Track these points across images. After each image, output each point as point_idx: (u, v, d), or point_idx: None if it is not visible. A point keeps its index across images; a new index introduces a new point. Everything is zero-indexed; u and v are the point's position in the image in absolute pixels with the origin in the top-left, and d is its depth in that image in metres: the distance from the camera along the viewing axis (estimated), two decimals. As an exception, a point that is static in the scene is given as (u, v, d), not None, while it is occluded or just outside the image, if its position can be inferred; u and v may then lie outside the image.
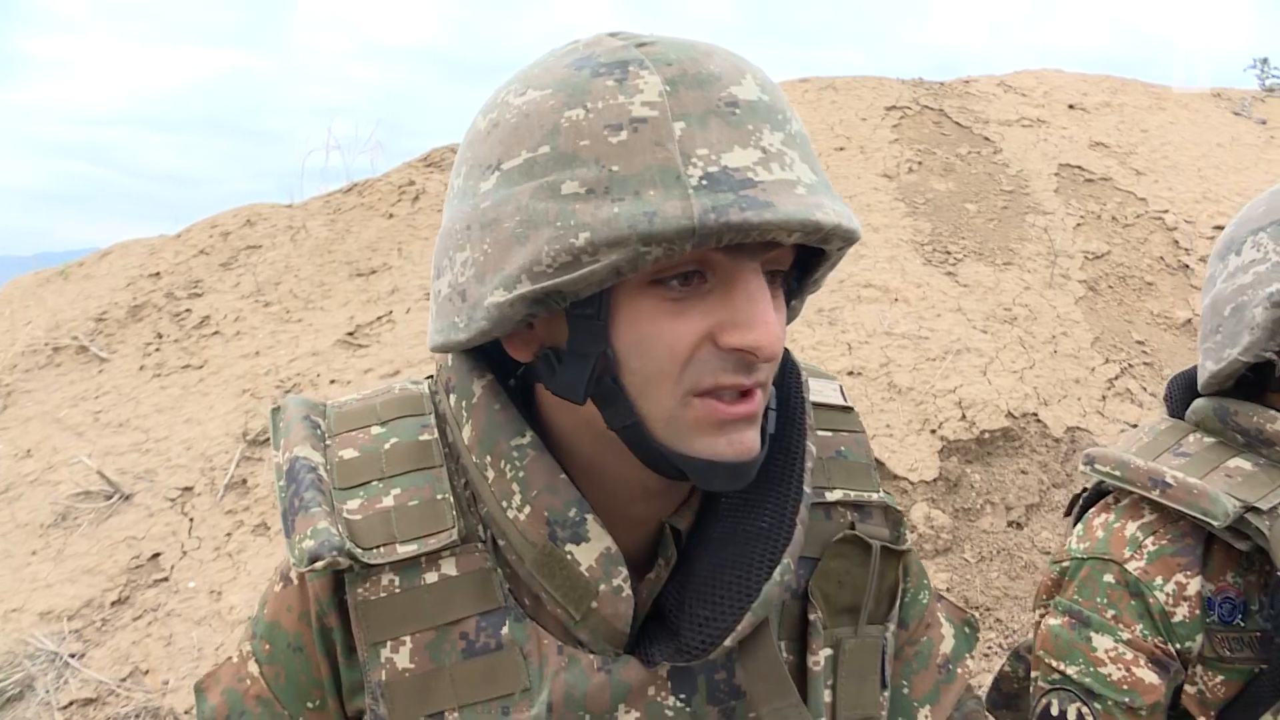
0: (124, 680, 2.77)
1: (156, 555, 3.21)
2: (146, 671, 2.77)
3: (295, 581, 0.74)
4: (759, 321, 0.62)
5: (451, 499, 0.71)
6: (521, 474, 0.69)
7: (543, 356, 0.67)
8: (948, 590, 2.80)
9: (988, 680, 2.60)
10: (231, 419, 3.82)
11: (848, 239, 0.63)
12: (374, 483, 0.72)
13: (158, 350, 4.48)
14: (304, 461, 0.72)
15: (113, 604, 3.05)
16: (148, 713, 2.66)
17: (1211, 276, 1.16)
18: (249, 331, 4.43)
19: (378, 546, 0.69)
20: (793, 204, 0.59)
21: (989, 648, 2.71)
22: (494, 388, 0.71)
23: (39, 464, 3.79)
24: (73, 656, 2.85)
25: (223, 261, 5.05)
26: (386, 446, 0.74)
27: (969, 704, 0.90)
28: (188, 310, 4.70)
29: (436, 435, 0.75)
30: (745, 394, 0.65)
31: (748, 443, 0.65)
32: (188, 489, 3.48)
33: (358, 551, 0.68)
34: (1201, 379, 1.15)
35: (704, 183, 0.58)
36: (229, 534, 3.24)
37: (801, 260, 0.70)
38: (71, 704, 2.73)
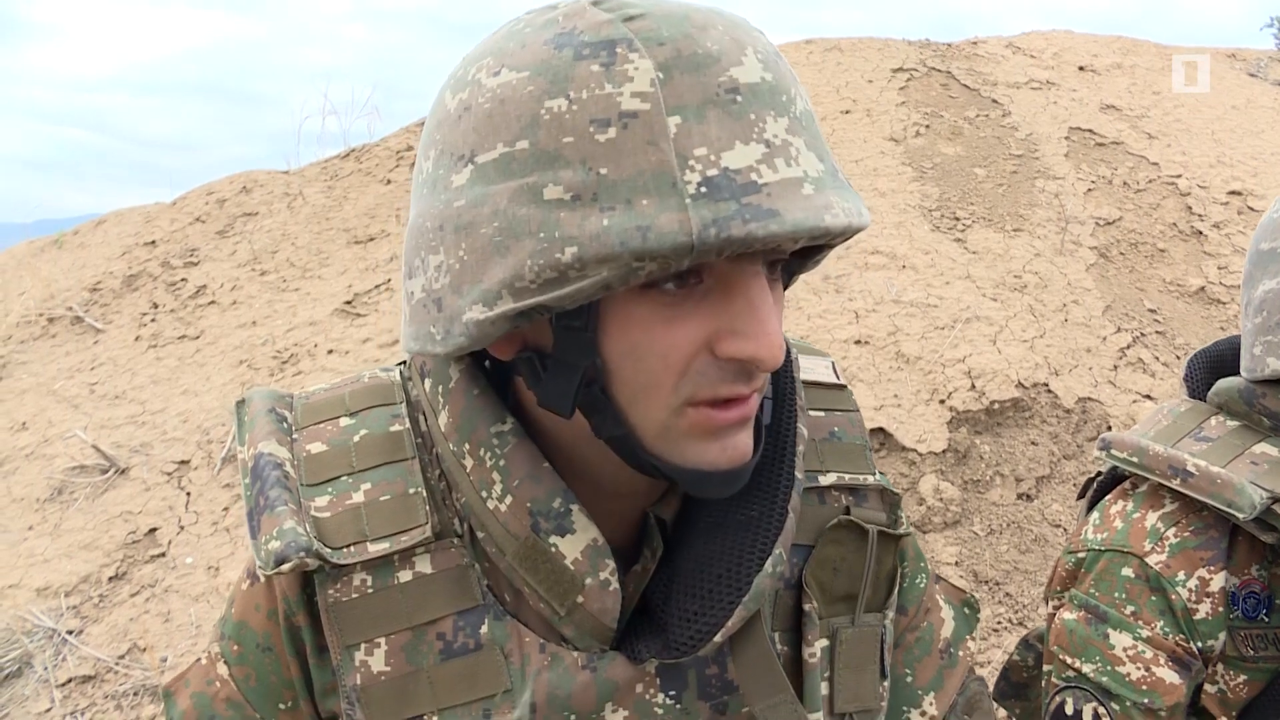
0: (122, 657, 2.74)
1: (153, 530, 3.18)
2: (145, 649, 2.75)
3: (262, 579, 0.71)
4: (761, 330, 0.57)
5: (424, 493, 0.68)
6: (502, 462, 0.65)
7: (526, 359, 0.62)
8: (957, 564, 2.77)
9: (998, 656, 2.58)
10: (228, 390, 3.78)
11: (853, 232, 0.58)
12: (343, 478, 0.69)
13: (153, 321, 4.43)
14: (269, 458, 0.69)
15: (110, 580, 3.02)
16: (146, 690, 2.64)
17: (1263, 255, 1.07)
18: (246, 301, 4.37)
19: (348, 545, 0.66)
20: (800, 209, 0.53)
21: (999, 623, 2.68)
22: (472, 372, 0.68)
23: (35, 437, 3.76)
24: (70, 633, 2.83)
25: (219, 229, 4.98)
26: (356, 439, 0.71)
27: (972, 686, 0.88)
28: (183, 280, 4.65)
29: (408, 425, 0.72)
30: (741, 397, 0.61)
31: (741, 447, 0.62)
32: (184, 462, 3.45)
33: (326, 551, 0.65)
34: (1257, 370, 1.06)
35: (703, 190, 0.52)
36: (226, 508, 3.20)
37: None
38: (70, 681, 2.71)
